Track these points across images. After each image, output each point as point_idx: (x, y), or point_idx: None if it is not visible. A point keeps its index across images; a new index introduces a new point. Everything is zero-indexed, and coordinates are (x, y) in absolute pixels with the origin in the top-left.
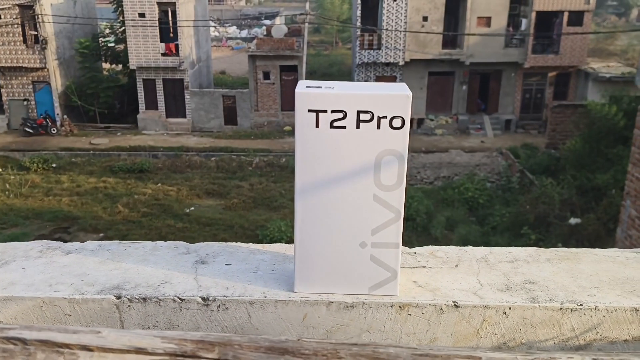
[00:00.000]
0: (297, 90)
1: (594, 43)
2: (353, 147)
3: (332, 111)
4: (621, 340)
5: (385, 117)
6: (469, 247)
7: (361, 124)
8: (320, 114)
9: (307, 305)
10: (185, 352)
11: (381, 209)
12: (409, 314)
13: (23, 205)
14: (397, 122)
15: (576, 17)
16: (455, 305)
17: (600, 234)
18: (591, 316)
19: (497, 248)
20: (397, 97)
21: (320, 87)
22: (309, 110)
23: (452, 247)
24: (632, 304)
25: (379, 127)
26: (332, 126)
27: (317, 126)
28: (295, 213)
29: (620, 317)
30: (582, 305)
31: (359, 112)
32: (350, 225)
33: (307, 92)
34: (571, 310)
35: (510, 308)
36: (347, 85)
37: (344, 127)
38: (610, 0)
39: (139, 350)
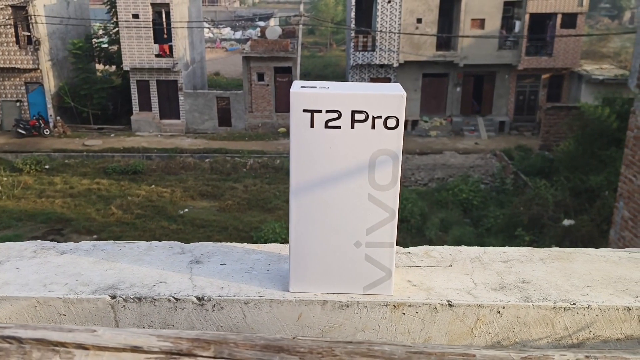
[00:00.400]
0: (292, 90)
1: (587, 45)
2: (348, 146)
3: (327, 111)
4: (614, 339)
5: (380, 117)
6: (463, 247)
7: (356, 123)
8: (315, 114)
9: (302, 305)
10: (181, 350)
11: (376, 208)
12: (404, 313)
13: (15, 207)
14: (391, 122)
15: (569, 20)
16: (449, 304)
17: (593, 236)
18: (584, 315)
19: (491, 248)
20: (392, 97)
21: (315, 87)
22: (304, 110)
23: (446, 247)
24: (625, 302)
25: (373, 127)
26: (327, 126)
27: (312, 126)
28: (290, 213)
29: (612, 315)
30: (575, 304)
31: (353, 112)
32: (345, 224)
33: (302, 92)
34: (564, 309)
35: (504, 307)
36: (342, 86)
37: (339, 127)
38: (603, 2)
39: (135, 349)
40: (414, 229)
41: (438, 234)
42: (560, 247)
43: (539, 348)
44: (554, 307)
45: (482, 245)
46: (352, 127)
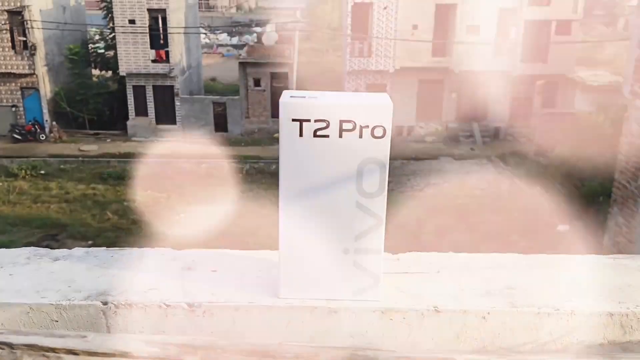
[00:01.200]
0: (281, 100)
1: (581, 52)
2: (336, 155)
3: (316, 120)
4: (597, 344)
5: (367, 126)
6: (452, 254)
7: (344, 133)
8: (304, 124)
9: (292, 311)
10: (169, 356)
11: (364, 215)
12: (391, 319)
13: (11, 213)
14: (378, 132)
15: (564, 26)
16: (436, 310)
17: (588, 241)
18: (568, 320)
19: (479, 254)
20: (379, 107)
21: (304, 97)
22: (293, 120)
23: (434, 253)
24: (607, 308)
25: (361, 136)
26: (315, 135)
27: (300, 135)
28: (280, 220)
29: (595, 321)
30: (559, 310)
31: (341, 122)
32: (334, 231)
33: (291, 101)
34: (548, 314)
35: (489, 313)
36: (331, 95)
37: (327, 136)
38: (597, 9)
39: (124, 354)
40: (409, 234)
41: (433, 240)
42: (555, 253)
43: (523, 353)
44: (538, 313)
45: (477, 252)
46: (340, 136)
